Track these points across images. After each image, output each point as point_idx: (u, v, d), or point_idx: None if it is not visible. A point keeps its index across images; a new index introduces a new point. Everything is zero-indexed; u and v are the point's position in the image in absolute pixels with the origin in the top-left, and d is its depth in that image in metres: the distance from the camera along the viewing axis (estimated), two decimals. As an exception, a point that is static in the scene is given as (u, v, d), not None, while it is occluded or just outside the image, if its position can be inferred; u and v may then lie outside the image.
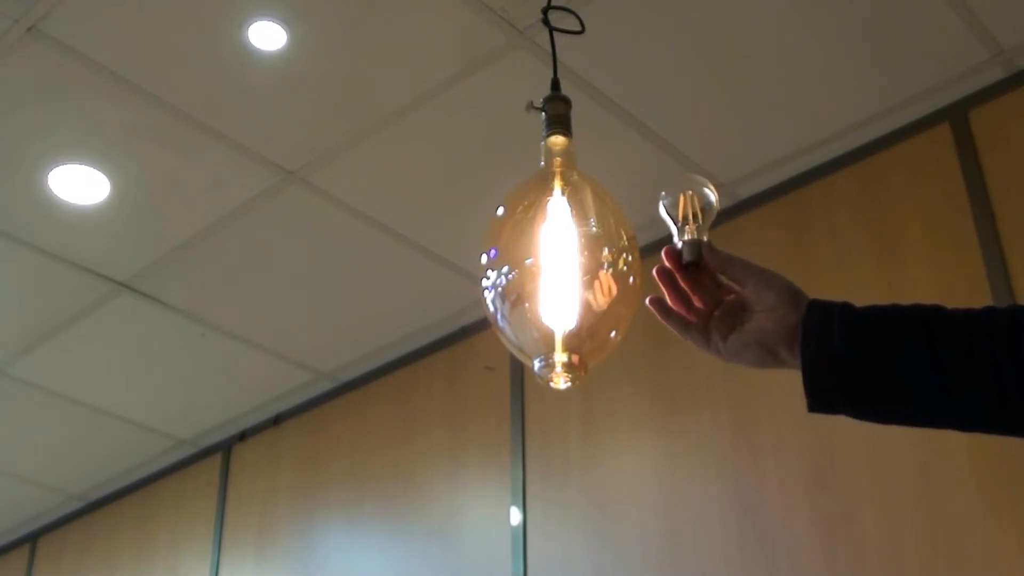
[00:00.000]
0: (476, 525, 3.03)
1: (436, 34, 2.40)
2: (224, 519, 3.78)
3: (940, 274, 2.41)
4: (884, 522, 2.28)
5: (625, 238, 1.21)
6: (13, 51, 2.41)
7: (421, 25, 2.38)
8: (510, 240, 1.21)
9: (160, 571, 3.93)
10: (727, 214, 2.75)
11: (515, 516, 2.90)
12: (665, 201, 1.15)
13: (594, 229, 1.21)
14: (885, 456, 2.32)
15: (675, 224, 1.14)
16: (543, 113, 1.29)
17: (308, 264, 3.10)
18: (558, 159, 1.26)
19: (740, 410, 2.58)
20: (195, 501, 3.92)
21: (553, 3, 1.43)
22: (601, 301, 1.17)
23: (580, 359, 1.17)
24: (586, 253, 1.19)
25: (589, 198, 1.24)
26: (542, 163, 1.27)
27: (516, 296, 1.19)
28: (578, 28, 1.46)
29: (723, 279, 1.12)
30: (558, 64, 1.37)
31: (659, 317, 1.13)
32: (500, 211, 1.24)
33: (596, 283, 1.18)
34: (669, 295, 1.13)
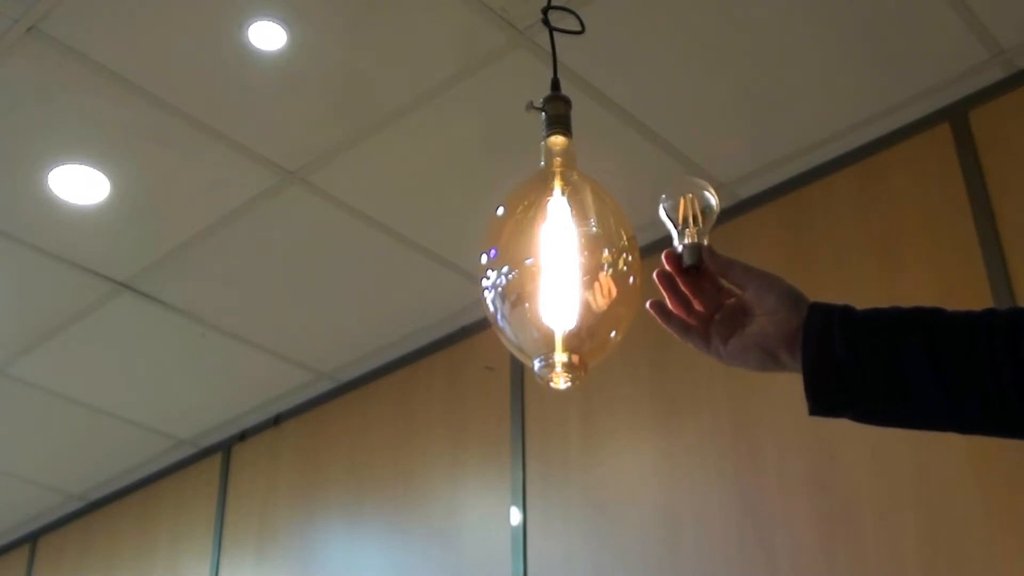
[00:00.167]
0: (476, 525, 3.03)
1: (436, 34, 2.40)
2: (224, 519, 3.78)
3: (940, 274, 2.40)
4: (884, 522, 2.28)
5: (625, 238, 1.20)
6: (13, 51, 2.41)
7: (421, 25, 2.38)
8: (510, 240, 1.21)
9: (160, 571, 3.93)
10: (727, 214, 2.74)
11: (515, 516, 2.90)
12: (665, 204, 1.14)
13: (594, 229, 1.21)
14: (885, 456, 2.32)
15: (675, 227, 1.14)
16: (543, 113, 1.29)
17: (308, 264, 3.10)
18: (558, 159, 1.26)
19: (740, 410, 2.58)
20: (195, 501, 3.92)
21: (553, 3, 1.43)
22: (601, 301, 1.17)
23: (580, 359, 1.17)
24: (586, 253, 1.19)
25: (589, 198, 1.23)
26: (542, 163, 1.27)
27: (516, 296, 1.19)
28: (578, 28, 1.46)
29: (723, 282, 1.12)
30: (558, 64, 1.36)
31: (659, 321, 1.13)
32: (500, 211, 1.24)
33: (596, 283, 1.17)
34: (669, 299, 1.13)
